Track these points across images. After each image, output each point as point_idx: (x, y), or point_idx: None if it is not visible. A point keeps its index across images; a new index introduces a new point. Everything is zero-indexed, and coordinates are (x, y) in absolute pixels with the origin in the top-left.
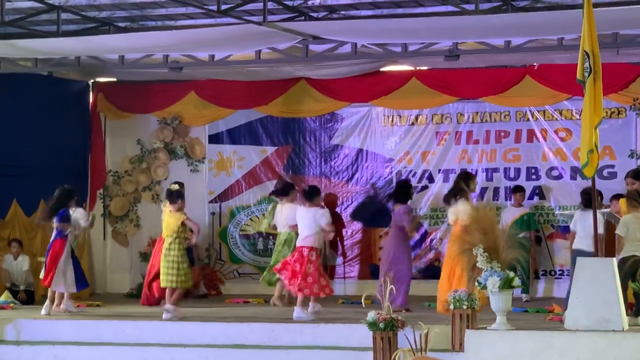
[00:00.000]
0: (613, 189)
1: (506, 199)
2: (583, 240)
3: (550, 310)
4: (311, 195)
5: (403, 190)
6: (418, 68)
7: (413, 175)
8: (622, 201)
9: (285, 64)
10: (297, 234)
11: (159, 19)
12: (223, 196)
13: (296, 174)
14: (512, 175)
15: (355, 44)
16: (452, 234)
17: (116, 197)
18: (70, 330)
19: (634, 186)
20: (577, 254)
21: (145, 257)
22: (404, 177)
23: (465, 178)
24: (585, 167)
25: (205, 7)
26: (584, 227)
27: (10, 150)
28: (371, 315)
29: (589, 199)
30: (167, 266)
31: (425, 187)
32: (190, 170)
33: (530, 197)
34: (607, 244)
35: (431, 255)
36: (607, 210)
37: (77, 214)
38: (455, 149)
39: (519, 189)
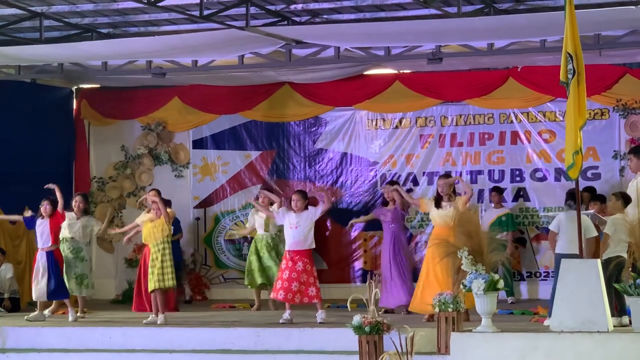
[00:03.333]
0: (598, 190)
1: (490, 202)
2: (570, 244)
3: (536, 312)
4: None
5: None
6: (401, 71)
7: (397, 179)
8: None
9: (268, 68)
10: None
11: (142, 24)
12: (208, 201)
13: (281, 179)
14: (496, 177)
15: (338, 48)
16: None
17: (101, 204)
18: (56, 337)
19: (595, 206)
20: (563, 257)
21: (130, 263)
22: (388, 180)
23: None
24: (571, 169)
25: (188, 12)
26: (569, 229)
27: None
28: (357, 319)
29: (571, 201)
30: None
31: (410, 190)
32: (175, 176)
33: (515, 199)
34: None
35: (416, 258)
36: (592, 211)
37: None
38: (440, 151)
39: (495, 189)
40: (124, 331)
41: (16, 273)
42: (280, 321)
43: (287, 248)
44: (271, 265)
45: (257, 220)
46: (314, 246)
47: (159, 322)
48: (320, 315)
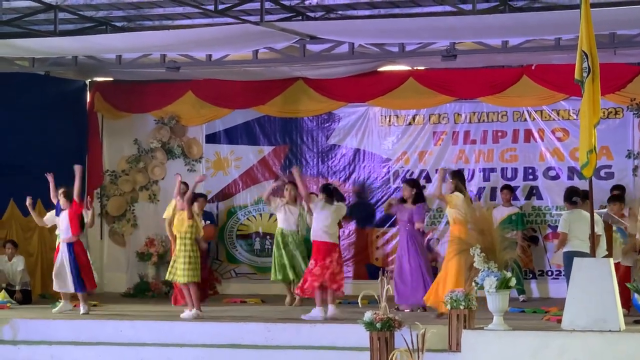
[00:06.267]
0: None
1: (501, 200)
2: (579, 242)
3: (547, 310)
4: None
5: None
6: (415, 68)
7: (410, 176)
8: None
9: (282, 63)
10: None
11: (156, 18)
12: (220, 196)
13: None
14: (509, 175)
15: (353, 43)
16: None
17: (113, 197)
18: (67, 330)
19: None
20: (577, 255)
21: (142, 256)
22: (401, 177)
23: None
24: (585, 167)
25: (203, 6)
26: (580, 228)
27: (7, 149)
28: (368, 315)
29: (577, 198)
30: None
31: (422, 187)
32: (188, 170)
33: (528, 197)
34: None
35: (429, 256)
36: (605, 210)
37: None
38: (453, 149)
39: (505, 187)
40: (135, 325)
41: (28, 265)
42: (305, 317)
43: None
44: (300, 262)
45: (281, 214)
46: (337, 241)
47: (192, 316)
48: (331, 310)
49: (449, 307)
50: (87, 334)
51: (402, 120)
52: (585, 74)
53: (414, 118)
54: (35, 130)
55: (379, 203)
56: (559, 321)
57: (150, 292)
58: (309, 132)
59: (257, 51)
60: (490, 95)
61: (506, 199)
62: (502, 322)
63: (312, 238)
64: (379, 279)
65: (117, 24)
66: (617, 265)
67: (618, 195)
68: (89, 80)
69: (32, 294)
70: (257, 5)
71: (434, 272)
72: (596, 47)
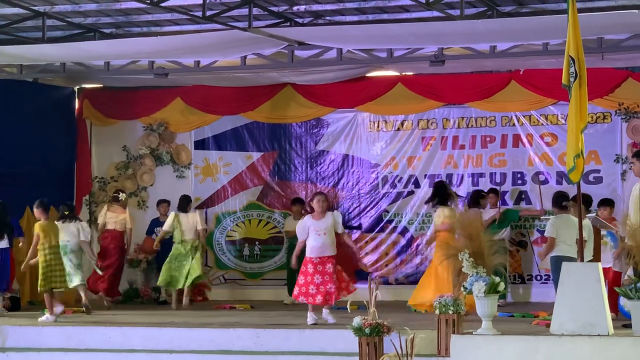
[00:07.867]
0: (600, 193)
1: (488, 204)
2: (567, 247)
3: (536, 315)
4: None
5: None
6: (403, 73)
7: (399, 181)
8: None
9: (270, 69)
10: None
11: (144, 25)
12: (209, 202)
13: (282, 180)
14: (498, 180)
15: (341, 49)
16: (438, 239)
17: (102, 204)
18: (56, 337)
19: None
20: (564, 260)
21: (131, 263)
22: (390, 182)
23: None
24: (572, 172)
25: (191, 13)
26: (568, 233)
27: None
28: (357, 320)
29: (566, 202)
30: None
31: (411, 193)
32: (176, 176)
33: (516, 202)
34: (594, 248)
35: (417, 260)
36: (593, 215)
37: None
38: (441, 154)
39: (491, 191)
40: (124, 331)
41: (16, 272)
42: (310, 322)
43: (313, 255)
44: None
45: (187, 224)
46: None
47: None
48: (329, 315)
49: (437, 312)
50: (76, 341)
51: (391, 125)
52: (572, 79)
53: (402, 123)
54: (24, 137)
55: (368, 208)
56: (548, 326)
57: (139, 299)
58: (297, 138)
59: (245, 57)
60: (478, 101)
61: (492, 202)
62: (490, 326)
63: (334, 252)
64: (368, 284)
65: (105, 30)
66: (607, 269)
67: (609, 199)
68: (78, 87)
69: (21, 301)
70: (245, 11)
71: None
72: (583, 52)
